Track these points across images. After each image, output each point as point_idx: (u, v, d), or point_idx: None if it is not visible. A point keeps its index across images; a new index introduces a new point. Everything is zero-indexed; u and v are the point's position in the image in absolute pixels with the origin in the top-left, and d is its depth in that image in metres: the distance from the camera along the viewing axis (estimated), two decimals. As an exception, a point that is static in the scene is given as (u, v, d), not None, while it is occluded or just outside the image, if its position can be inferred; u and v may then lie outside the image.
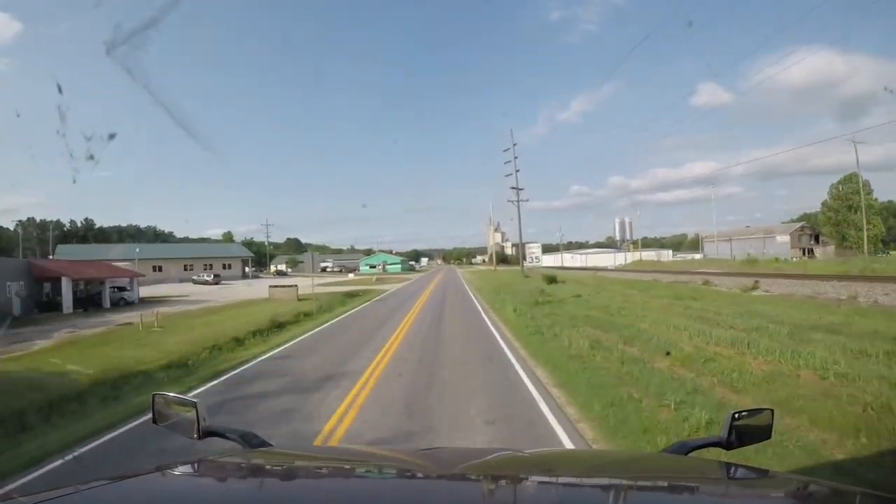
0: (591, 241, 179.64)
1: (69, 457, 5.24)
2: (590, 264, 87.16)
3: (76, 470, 4.90)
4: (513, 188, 35.02)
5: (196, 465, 1.24)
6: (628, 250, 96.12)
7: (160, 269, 59.50)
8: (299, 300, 25.46)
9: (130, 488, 1.06)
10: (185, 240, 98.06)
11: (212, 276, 53.76)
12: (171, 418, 1.61)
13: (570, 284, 27.67)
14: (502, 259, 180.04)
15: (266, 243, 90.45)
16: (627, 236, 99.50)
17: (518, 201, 35.06)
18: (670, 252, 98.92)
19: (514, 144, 35.68)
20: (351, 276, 61.88)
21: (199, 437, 1.50)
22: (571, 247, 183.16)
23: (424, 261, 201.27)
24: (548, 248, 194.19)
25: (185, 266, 60.77)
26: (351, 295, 29.47)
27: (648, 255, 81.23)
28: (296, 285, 25.70)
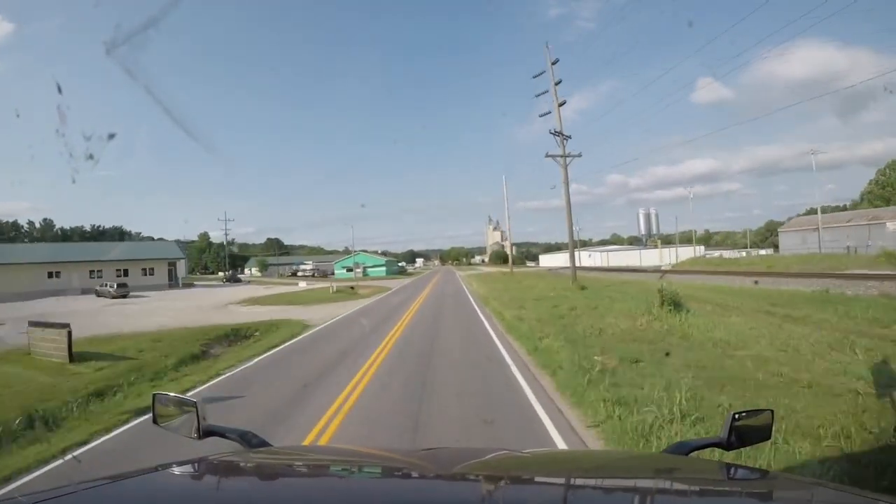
0: (596, 239, 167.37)
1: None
2: (614, 263, 72.67)
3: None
4: (555, 134, 19.49)
5: (196, 464, 1.22)
6: (655, 246, 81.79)
7: (57, 275, 44.24)
8: (72, 364, 10.37)
9: (130, 488, 1.04)
10: (120, 236, 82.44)
11: (115, 285, 38.40)
12: (172, 418, 1.55)
13: (700, 306, 12.68)
14: (503, 259, 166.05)
15: (224, 243, 75.45)
16: (654, 230, 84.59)
17: (564, 156, 19.53)
18: (701, 248, 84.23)
19: (555, 62, 20.10)
20: (302, 285, 45.84)
21: (200, 437, 1.46)
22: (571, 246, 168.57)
23: (420, 262, 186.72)
24: (548, 249, 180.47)
25: (91, 272, 45.37)
26: (235, 334, 14.37)
27: (695, 251, 66.17)
28: (67, 326, 10.75)
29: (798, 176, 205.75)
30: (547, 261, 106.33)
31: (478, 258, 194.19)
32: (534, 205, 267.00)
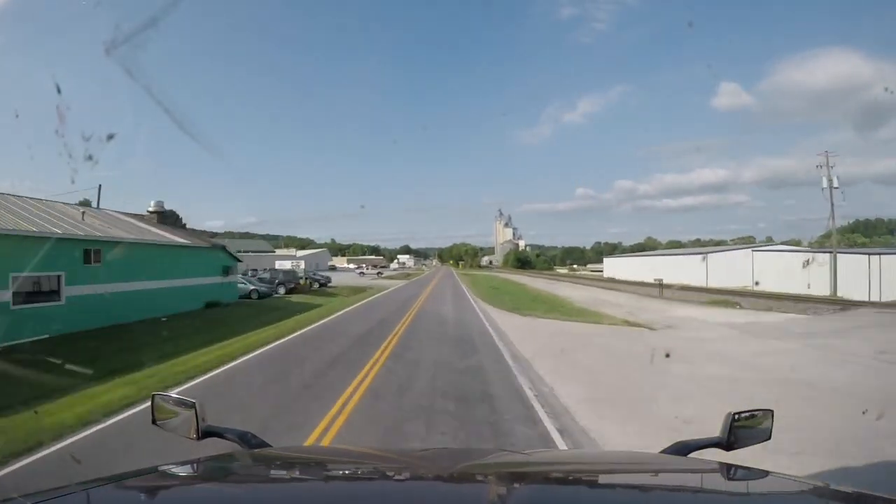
0: (621, 243, 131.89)
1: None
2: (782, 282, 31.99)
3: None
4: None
5: (195, 465, 1.22)
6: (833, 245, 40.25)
7: None
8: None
9: (130, 488, 1.04)
10: None
11: None
12: (171, 418, 1.52)
13: None
14: (524, 262, 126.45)
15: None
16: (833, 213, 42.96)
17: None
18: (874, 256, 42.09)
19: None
20: None
21: (199, 438, 1.44)
22: (588, 250, 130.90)
23: (405, 258, 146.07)
24: (568, 253, 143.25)
25: None
26: None
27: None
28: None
29: (804, 191, 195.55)
30: (617, 266, 64.76)
31: (486, 259, 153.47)
32: (540, 207, 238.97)
